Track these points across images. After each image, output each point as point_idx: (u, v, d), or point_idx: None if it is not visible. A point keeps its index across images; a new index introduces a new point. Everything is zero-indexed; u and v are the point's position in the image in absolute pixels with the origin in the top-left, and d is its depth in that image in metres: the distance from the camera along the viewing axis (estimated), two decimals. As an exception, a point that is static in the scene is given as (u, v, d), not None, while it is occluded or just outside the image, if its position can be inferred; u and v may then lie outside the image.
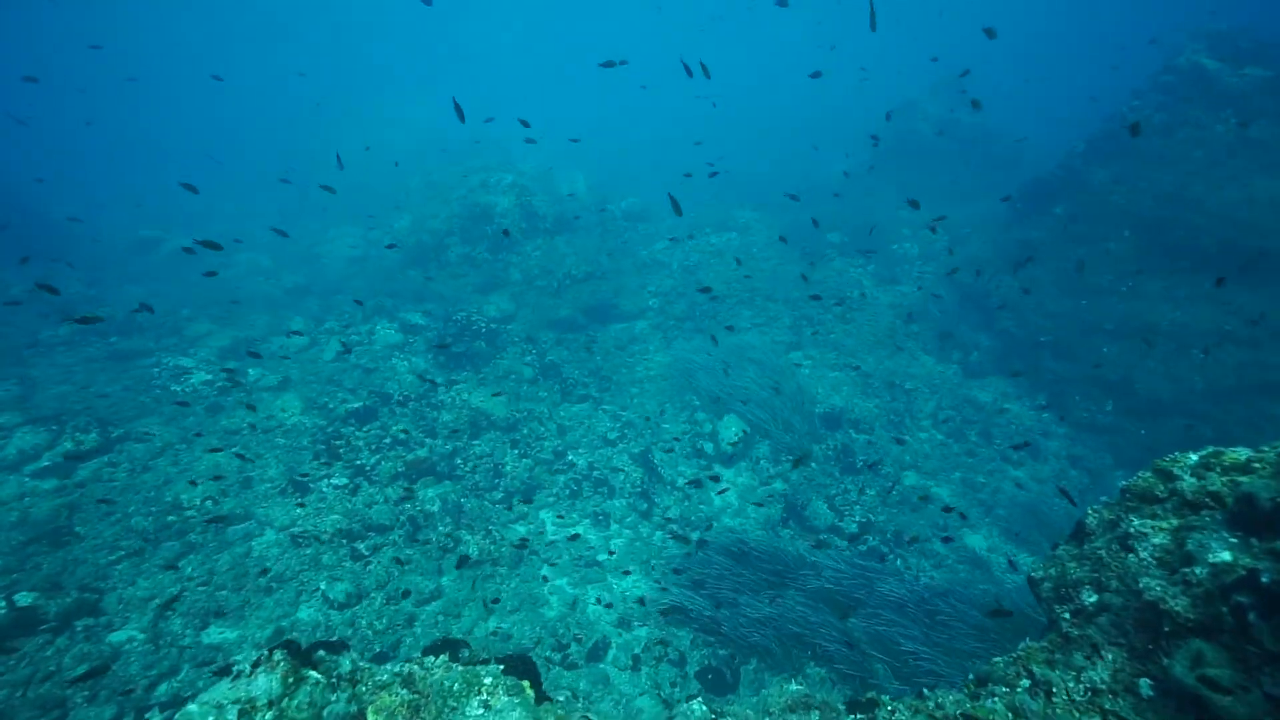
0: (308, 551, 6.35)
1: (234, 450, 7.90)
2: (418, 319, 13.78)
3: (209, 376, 10.72)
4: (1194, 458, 2.67)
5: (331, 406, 9.17)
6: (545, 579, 7.36)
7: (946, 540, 8.85)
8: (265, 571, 6.04)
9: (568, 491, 9.09)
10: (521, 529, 8.30)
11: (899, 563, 9.07)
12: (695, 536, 9.02)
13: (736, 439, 10.68)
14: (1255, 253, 10.52)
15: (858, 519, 9.42)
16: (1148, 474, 2.83)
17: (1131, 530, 2.49)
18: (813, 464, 10.60)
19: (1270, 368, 10.33)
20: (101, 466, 7.56)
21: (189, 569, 5.96)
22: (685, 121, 31.36)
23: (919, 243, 17.28)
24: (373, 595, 6.06)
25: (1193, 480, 2.55)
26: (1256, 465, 2.36)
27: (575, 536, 7.87)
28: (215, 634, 5.39)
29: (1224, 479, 2.42)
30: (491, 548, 7.25)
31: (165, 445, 8.12)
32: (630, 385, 12.50)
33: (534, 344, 13.10)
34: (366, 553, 6.56)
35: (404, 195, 18.60)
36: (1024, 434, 11.73)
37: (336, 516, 6.74)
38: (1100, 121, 12.80)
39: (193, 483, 6.98)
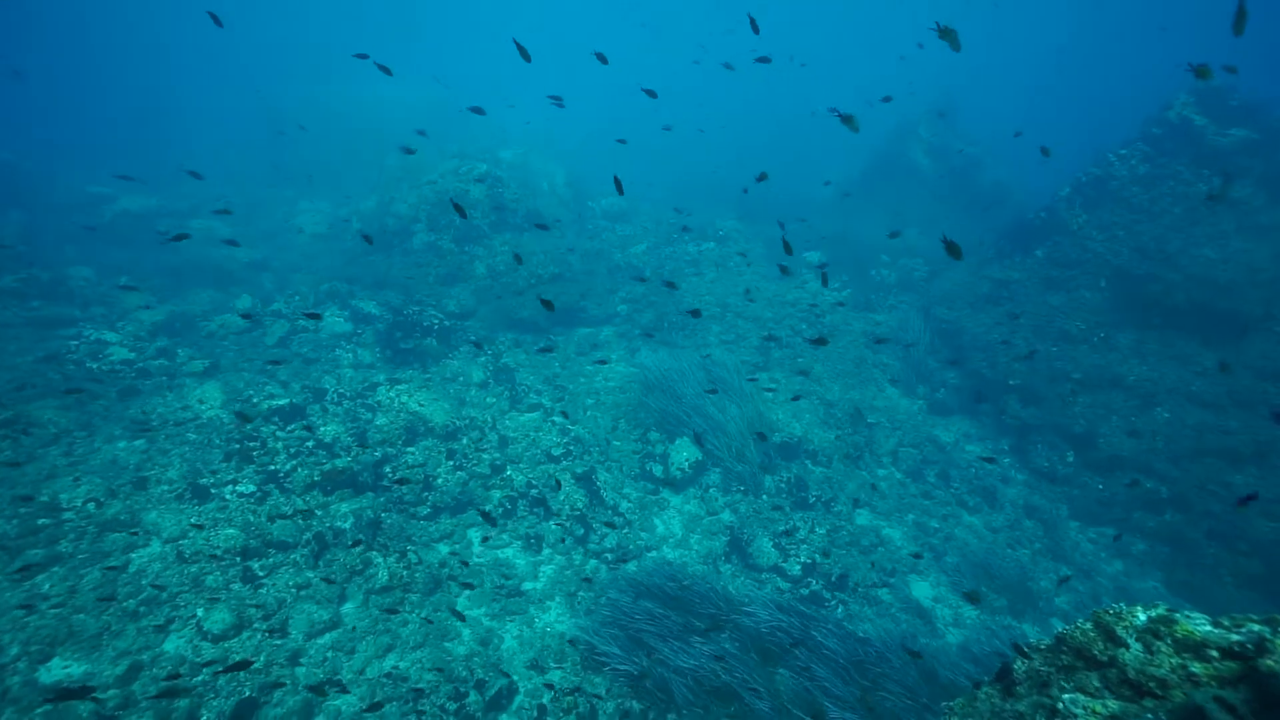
0: (192, 569, 5.77)
1: (138, 445, 7.27)
2: (372, 308, 13.13)
3: (131, 355, 10.01)
4: (1142, 618, 2.26)
5: (256, 401, 8.54)
6: (459, 611, 6.86)
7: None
8: (137, 592, 5.45)
9: (501, 510, 8.59)
10: (444, 549, 7.79)
11: (840, 610, 8.74)
12: (631, 568, 8.59)
13: (688, 464, 10.26)
14: (1251, 318, 10.37)
15: (803, 559, 9.05)
16: (1088, 626, 2.42)
17: (1060, 707, 2.08)
18: (763, 496, 10.23)
19: (1230, 433, 10.17)
20: (-19, 452, 6.89)
21: (47, 585, 5.35)
22: (682, 129, 30.86)
23: (897, 270, 17.00)
24: (256, 625, 5.51)
25: (1138, 649, 2.15)
26: (1213, 655, 1.96)
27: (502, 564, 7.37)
28: (57, 669, 4.81)
29: (1174, 660, 2.02)
30: (404, 572, 6.73)
31: (60, 432, 7.45)
32: (586, 396, 12.01)
33: (490, 344, 12.54)
34: (260, 573, 6.00)
35: (377, 174, 17.85)
36: (983, 479, 11.49)
37: (233, 531, 6.16)
38: (1088, 167, 12.57)
39: (76, 480, 6.36)
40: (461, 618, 4.91)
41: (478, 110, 6.34)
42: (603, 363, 13.31)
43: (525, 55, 6.21)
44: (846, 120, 5.82)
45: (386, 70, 5.85)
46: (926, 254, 17.58)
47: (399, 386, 9.93)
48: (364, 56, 6.44)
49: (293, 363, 10.96)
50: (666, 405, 11.34)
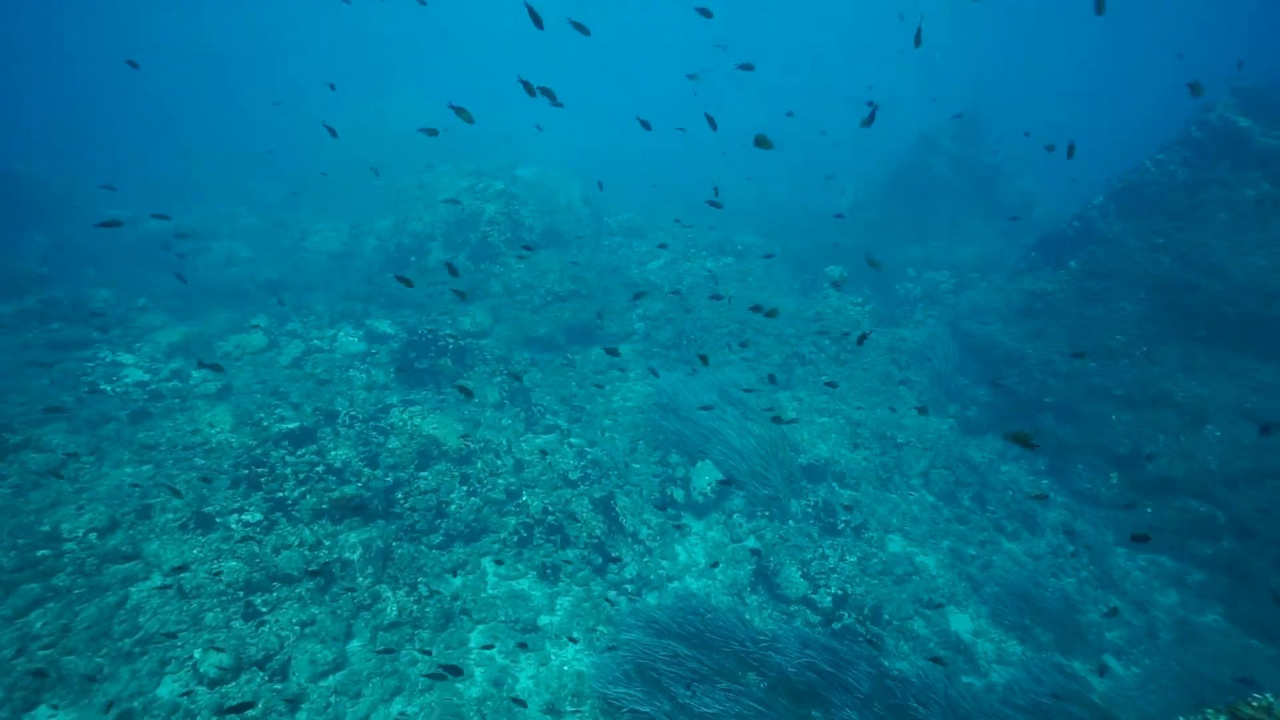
0: (192, 605, 5.51)
1: (145, 471, 7.07)
2: (386, 327, 12.97)
3: (145, 376, 9.90)
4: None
5: (266, 424, 8.33)
6: (473, 647, 6.50)
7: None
8: (133, 630, 5.18)
9: (516, 538, 8.24)
10: (457, 581, 7.45)
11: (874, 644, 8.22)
12: (652, 600, 8.18)
13: (710, 488, 9.85)
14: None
15: (834, 590, 8.56)
16: None
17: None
18: (790, 522, 9.77)
19: (1291, 454, 9.52)
20: (-12, 479, 6.73)
21: (39, 623, 5.11)
22: (701, 142, 30.76)
23: (922, 284, 16.51)
24: (253, 670, 5.20)
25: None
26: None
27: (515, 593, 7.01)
28: (43, 716, 4.54)
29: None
30: (415, 606, 6.40)
31: (68, 458, 7.28)
32: (604, 417, 11.67)
33: (506, 364, 12.28)
34: (263, 609, 5.71)
35: (395, 194, 17.85)
36: (1021, 502, 10.91)
37: (236, 563, 5.89)
38: (1123, 174, 12.06)
39: (79, 508, 6.15)
40: (458, 672, 4.52)
41: (461, 111, 6.06)
42: (621, 381, 12.99)
43: (530, 91, 6.02)
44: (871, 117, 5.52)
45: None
46: (953, 267, 17.09)
47: (412, 408, 9.69)
48: (332, 87, 6.25)
49: (306, 384, 10.78)
50: (686, 426, 10.96)
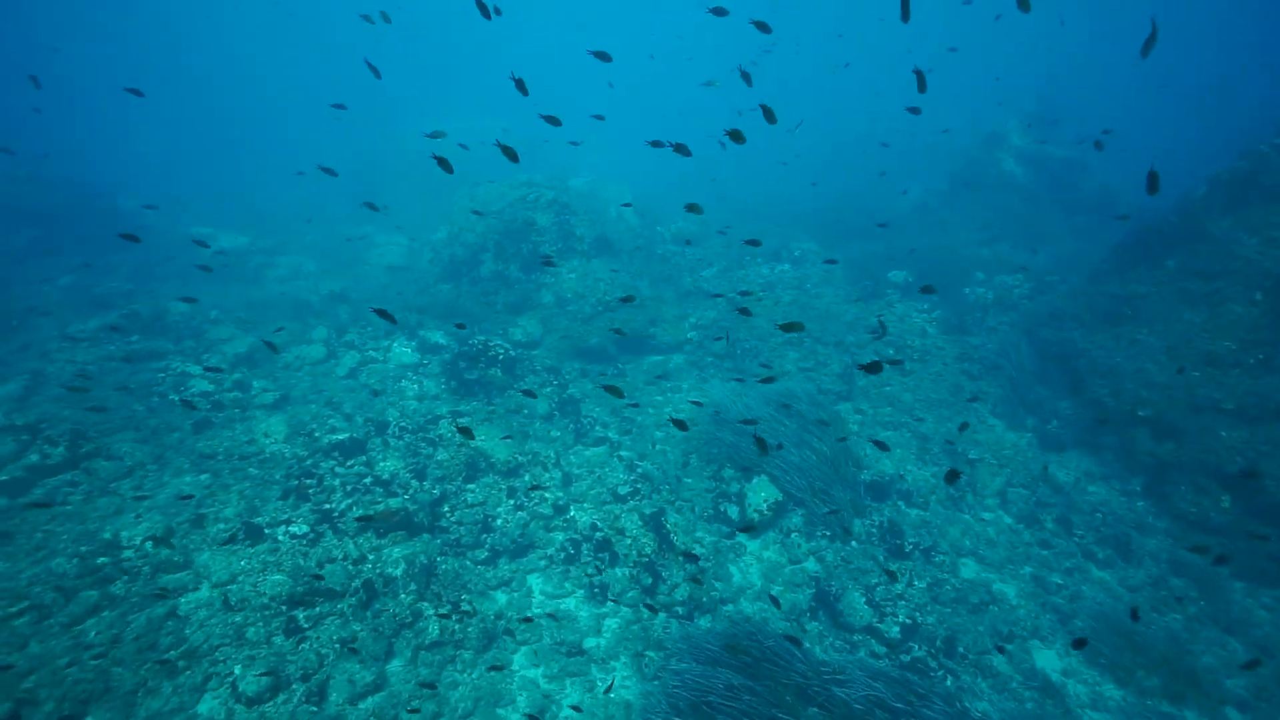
0: (236, 619, 5.48)
1: (202, 480, 7.19)
2: (439, 338, 13.06)
3: (210, 387, 10.22)
4: None
5: (317, 435, 8.41)
6: (516, 669, 6.24)
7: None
8: (179, 642, 5.18)
9: (563, 555, 7.98)
10: (502, 598, 7.23)
11: (949, 681, 7.51)
12: (705, 624, 7.73)
13: (766, 505, 9.33)
14: None
15: (901, 619, 7.89)
16: None
17: None
18: (853, 543, 9.13)
19: None
20: (60, 486, 6.99)
21: (93, 632, 5.18)
22: (759, 147, 30.24)
23: (994, 288, 15.45)
24: (294, 687, 5.11)
25: None
26: None
27: (554, 614, 6.73)
28: (88, 731, 4.56)
29: None
30: (457, 626, 6.20)
31: (134, 465, 7.51)
32: (655, 429, 11.33)
33: (556, 375, 12.13)
34: (305, 624, 5.63)
35: (448, 205, 18.15)
36: (1113, 526, 9.88)
37: (281, 576, 5.85)
38: (1229, 162, 10.87)
39: (138, 517, 6.28)
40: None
41: (509, 152, 5.92)
42: (674, 392, 12.64)
43: (554, 121, 5.80)
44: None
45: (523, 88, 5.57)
46: (1027, 269, 15.94)
47: (461, 419, 9.61)
48: (341, 107, 6.21)
49: (360, 394, 10.91)
50: (741, 439, 10.48)
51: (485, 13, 6.84)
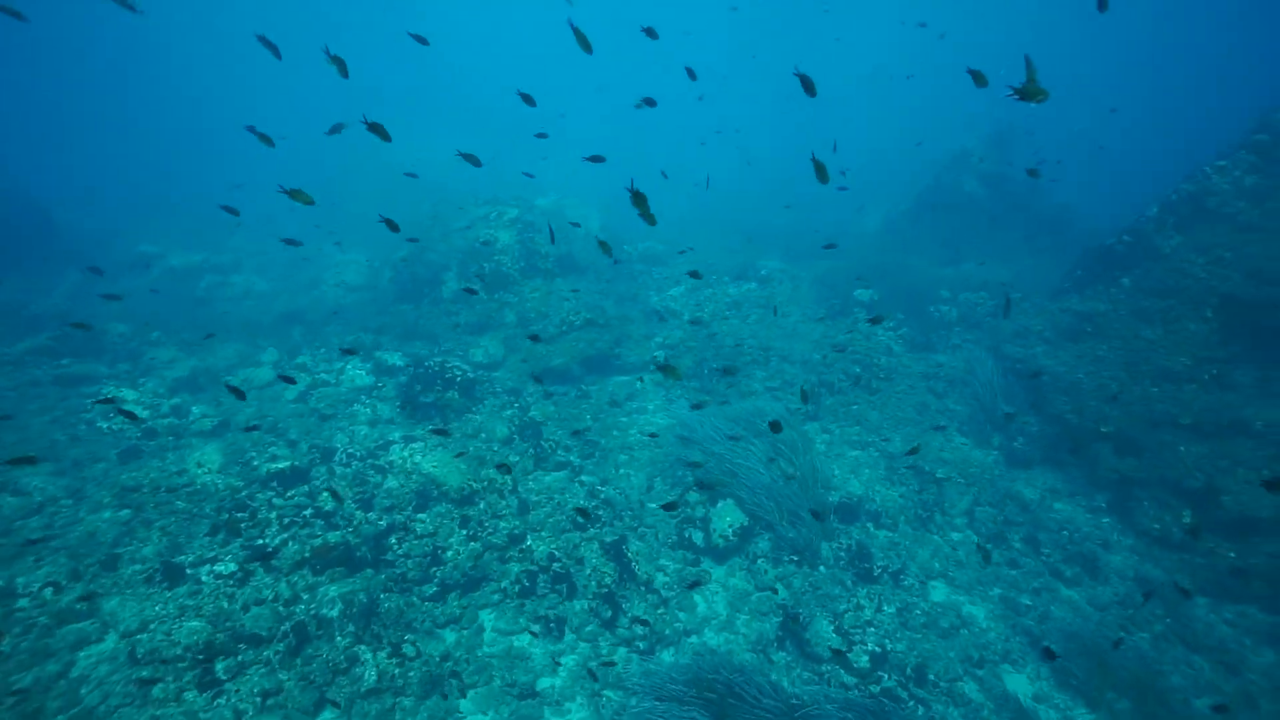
0: (143, 673, 4.95)
1: (122, 516, 6.63)
2: (396, 360, 12.59)
3: (144, 414, 9.60)
4: None
5: (256, 464, 7.88)
6: (463, 715, 5.79)
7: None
8: (70, 705, 4.62)
9: (518, 588, 7.55)
10: (450, 637, 6.78)
11: (920, 711, 7.25)
12: (667, 658, 7.37)
13: (732, 529, 9.04)
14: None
15: (870, 646, 7.63)
16: None
17: None
18: (820, 567, 8.87)
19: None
20: (-40, 526, 6.36)
21: (-29, 696, 4.60)
22: (721, 166, 30.44)
23: (959, 306, 15.59)
24: (206, 750, 4.60)
25: None
26: None
27: (512, 650, 6.30)
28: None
29: None
30: (397, 670, 5.74)
31: (45, 501, 6.90)
32: (619, 452, 11.00)
33: (517, 396, 11.74)
34: (224, 677, 5.13)
35: (411, 224, 17.72)
36: (1079, 543, 9.82)
37: (198, 623, 5.34)
38: (1177, 184, 11.13)
39: (38, 560, 5.71)
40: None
41: (471, 159, 5.69)
42: (639, 413, 12.36)
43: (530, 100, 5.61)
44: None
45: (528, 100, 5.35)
46: (991, 287, 16.13)
47: (414, 444, 9.16)
48: (261, 134, 5.99)
49: (308, 419, 10.38)
50: (707, 461, 10.21)
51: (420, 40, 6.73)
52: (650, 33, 7.35)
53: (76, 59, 55.21)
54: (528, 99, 6.40)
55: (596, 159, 7.28)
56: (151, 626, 5.32)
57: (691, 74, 7.73)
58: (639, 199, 4.51)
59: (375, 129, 5.39)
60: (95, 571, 5.86)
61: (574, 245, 16.49)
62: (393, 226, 5.73)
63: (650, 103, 7.93)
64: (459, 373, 11.14)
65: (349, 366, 11.99)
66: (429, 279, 15.21)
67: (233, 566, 6.12)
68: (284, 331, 15.15)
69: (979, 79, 5.34)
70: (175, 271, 17.76)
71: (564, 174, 25.36)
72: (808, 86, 5.15)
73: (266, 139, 6.09)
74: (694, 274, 7.43)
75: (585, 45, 6.35)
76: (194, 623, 5.31)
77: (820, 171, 5.23)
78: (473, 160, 5.43)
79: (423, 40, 7.04)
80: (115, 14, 49.05)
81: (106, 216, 22.57)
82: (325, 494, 7.42)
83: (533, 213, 16.44)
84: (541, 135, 9.47)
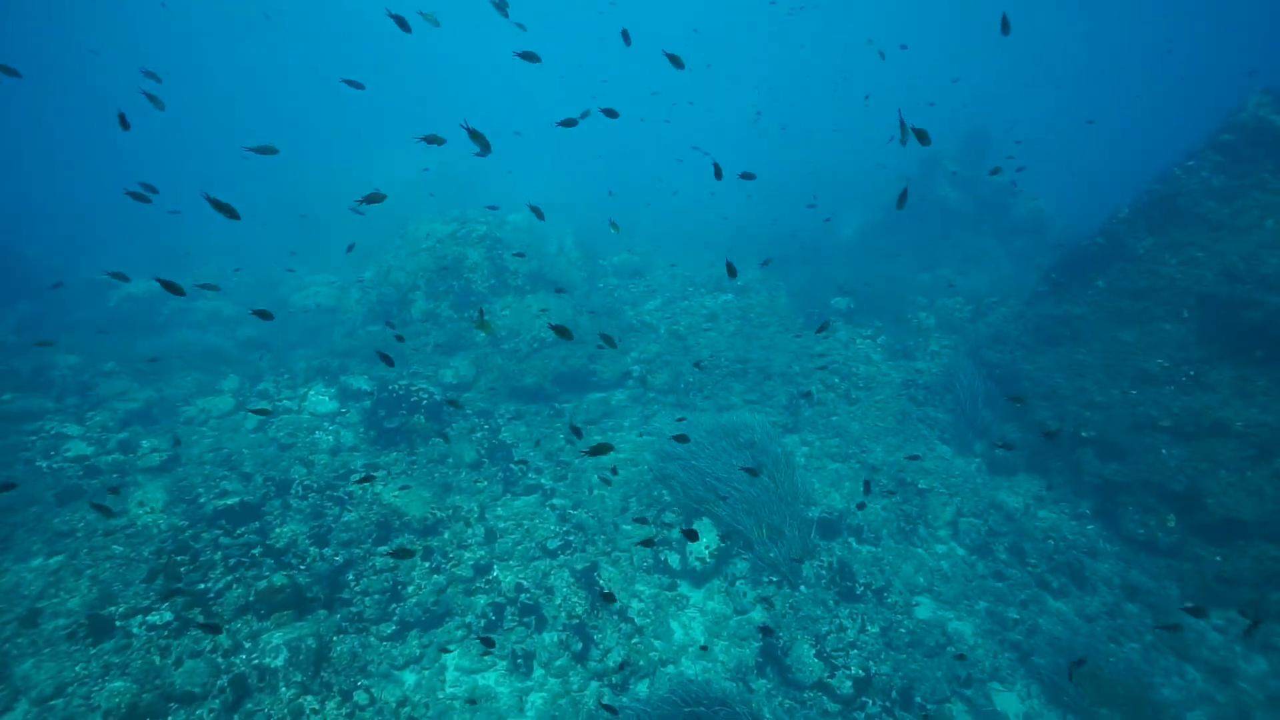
0: (56, 744, 4.52)
1: (52, 564, 6.16)
2: (362, 384, 12.17)
3: (89, 450, 9.11)
4: None
5: (203, 501, 7.44)
6: (418, 768, 5.38)
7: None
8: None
9: (484, 623, 7.16)
10: (410, 678, 6.37)
11: (908, 738, 6.93)
12: (643, 690, 7.00)
13: (709, 551, 8.71)
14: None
15: (854, 670, 7.32)
16: None
17: None
18: (801, 588, 8.56)
19: (1382, 488, 8.22)
20: None
21: None
22: (695, 175, 30.42)
23: (936, 313, 15.49)
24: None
25: None
26: None
27: (473, 699, 5.91)
28: None
29: None
30: (346, 722, 5.33)
31: (-31, 551, 6.43)
32: (593, 472, 10.65)
33: (487, 418, 11.37)
34: (149, 741, 4.70)
35: (377, 242, 17.37)
36: (1065, 552, 9.60)
37: (123, 683, 4.90)
38: (1147, 185, 11.11)
39: (-50, 619, 5.25)
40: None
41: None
42: (615, 430, 12.03)
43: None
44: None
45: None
46: (967, 292, 16.08)
47: (378, 472, 8.75)
48: (261, 149, 5.72)
49: (267, 449, 9.93)
50: (684, 478, 9.89)
51: (403, 26, 6.46)
52: (625, 37, 7.19)
53: (38, 85, 54.32)
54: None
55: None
56: (69, 689, 4.87)
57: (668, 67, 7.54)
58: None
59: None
60: (14, 629, 5.39)
61: (545, 261, 16.21)
62: (351, 248, 5.41)
63: (611, 114, 7.68)
64: (425, 396, 10.75)
65: (311, 392, 11.55)
66: (397, 300, 14.83)
67: (169, 615, 5.68)
68: (248, 358, 14.66)
69: (922, 137, 5.26)
70: (135, 298, 17.20)
71: (535, 190, 25.18)
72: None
73: (270, 150, 5.82)
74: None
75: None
76: (118, 683, 4.87)
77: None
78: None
79: (405, 25, 6.62)
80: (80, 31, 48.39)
81: (70, 245, 21.90)
82: (277, 530, 7.00)
83: (502, 229, 16.15)
84: (517, 133, 9.18)
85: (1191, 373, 9.99)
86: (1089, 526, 10.14)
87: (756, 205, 24.90)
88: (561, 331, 5.48)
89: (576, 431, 5.44)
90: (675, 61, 6.93)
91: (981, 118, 22.29)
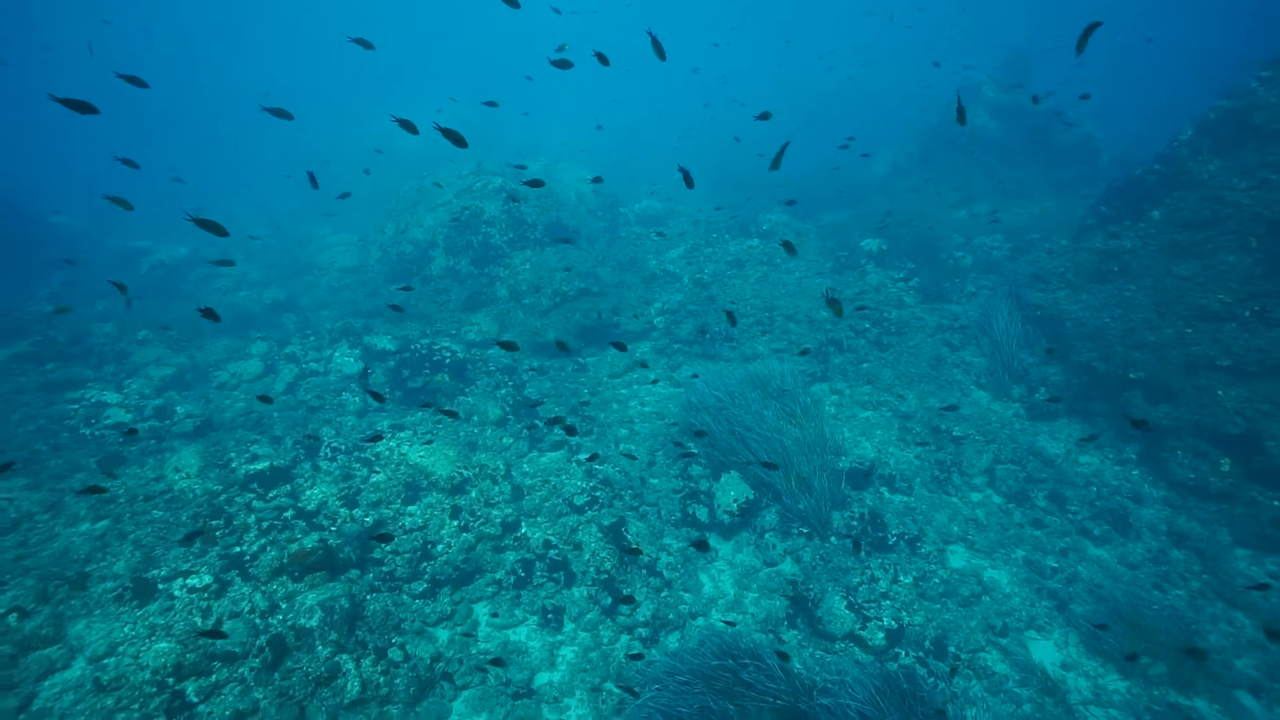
0: (108, 702, 4.72)
1: (99, 529, 6.37)
2: (386, 344, 12.18)
3: (128, 417, 9.34)
4: None
5: (235, 465, 7.58)
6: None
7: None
8: (32, 741, 4.41)
9: (513, 579, 7.24)
10: (443, 635, 6.50)
11: (940, 687, 6.88)
12: (673, 643, 7.05)
13: (737, 503, 8.63)
14: None
15: (886, 622, 7.24)
16: None
17: None
18: (831, 539, 8.46)
19: None
20: (-74, 549, 6.15)
21: (-78, 741, 4.39)
22: (721, 117, 29.17)
23: (973, 252, 14.74)
24: (170, 785, 4.36)
25: None
26: None
27: (497, 661, 5.99)
28: None
29: None
30: (381, 678, 5.46)
31: (21, 517, 6.67)
32: (619, 426, 10.58)
33: (512, 374, 11.32)
34: (195, 699, 4.88)
35: (394, 200, 17.13)
36: (1108, 498, 9.28)
37: (168, 643, 5.08)
38: (1214, 102, 10.12)
39: (1, 585, 5.47)
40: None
41: (452, 135, 5.08)
42: (641, 383, 11.89)
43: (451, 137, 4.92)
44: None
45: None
46: (1006, 229, 15.23)
47: (401, 434, 8.80)
48: (276, 110, 5.41)
49: (296, 412, 10.07)
50: (711, 430, 9.75)
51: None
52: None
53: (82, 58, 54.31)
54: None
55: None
56: (120, 649, 5.07)
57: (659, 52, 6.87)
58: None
59: (450, 135, 4.66)
60: (65, 593, 5.61)
61: (564, 211, 15.81)
62: (345, 195, 5.20)
63: (603, 59, 7.10)
64: (448, 354, 10.71)
65: (337, 354, 11.62)
66: (417, 257, 14.69)
67: (208, 579, 5.84)
68: (277, 321, 14.81)
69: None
70: (164, 266, 17.42)
71: (554, 134, 24.44)
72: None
73: (284, 113, 5.62)
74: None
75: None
76: (163, 643, 5.05)
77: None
78: (455, 138, 4.77)
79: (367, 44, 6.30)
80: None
81: (101, 216, 22.14)
82: (310, 491, 7.10)
83: (519, 180, 15.73)
84: (528, 78, 8.75)
85: (1257, 307, 9.31)
86: (1134, 471, 9.75)
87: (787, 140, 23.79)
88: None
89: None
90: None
91: (1024, 41, 20.66)
